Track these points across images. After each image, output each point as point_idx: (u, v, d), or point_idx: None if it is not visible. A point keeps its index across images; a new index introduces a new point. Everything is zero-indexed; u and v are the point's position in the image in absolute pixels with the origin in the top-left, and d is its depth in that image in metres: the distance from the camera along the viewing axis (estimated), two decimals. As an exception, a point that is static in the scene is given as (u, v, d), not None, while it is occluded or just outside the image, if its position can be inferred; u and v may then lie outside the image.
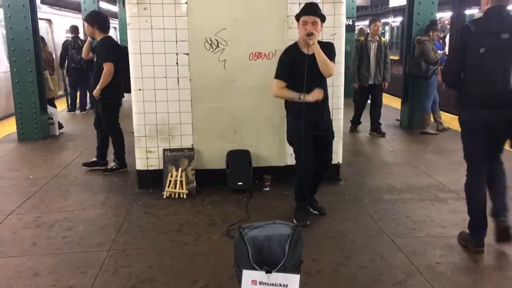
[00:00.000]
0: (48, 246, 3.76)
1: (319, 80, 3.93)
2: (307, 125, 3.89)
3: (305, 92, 3.81)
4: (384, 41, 7.55)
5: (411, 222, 4.13)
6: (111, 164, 5.75)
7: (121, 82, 5.43)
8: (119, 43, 7.43)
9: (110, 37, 5.62)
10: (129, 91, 4.98)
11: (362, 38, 7.51)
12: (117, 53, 5.45)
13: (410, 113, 7.90)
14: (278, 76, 3.92)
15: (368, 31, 7.65)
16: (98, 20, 5.51)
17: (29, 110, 7.35)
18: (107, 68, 5.35)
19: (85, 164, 5.85)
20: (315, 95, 3.84)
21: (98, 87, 5.45)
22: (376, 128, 7.63)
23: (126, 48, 5.08)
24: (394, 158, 6.26)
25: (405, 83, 8.07)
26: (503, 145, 3.47)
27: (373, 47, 7.42)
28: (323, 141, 4.07)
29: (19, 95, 7.35)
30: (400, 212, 4.38)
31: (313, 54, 3.83)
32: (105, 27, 5.53)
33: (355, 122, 7.92)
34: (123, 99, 5.81)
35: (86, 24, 5.55)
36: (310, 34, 3.73)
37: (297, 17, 3.87)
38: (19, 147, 7.14)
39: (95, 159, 5.87)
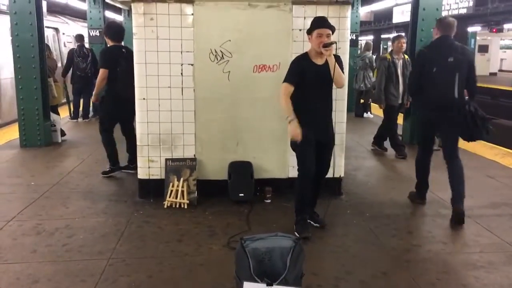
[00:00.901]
0: (48, 253, 3.75)
1: (327, 91, 4.03)
2: (310, 131, 3.92)
3: (315, 101, 3.94)
4: (407, 58, 7.13)
5: (412, 238, 4.12)
6: (106, 169, 5.99)
7: (119, 89, 5.60)
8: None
9: (114, 46, 5.83)
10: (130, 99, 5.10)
11: (388, 55, 7.08)
12: (113, 61, 5.66)
13: (412, 128, 7.90)
14: (287, 80, 3.96)
15: (392, 48, 7.35)
16: (109, 30, 5.97)
17: (32, 117, 7.37)
18: (100, 73, 5.65)
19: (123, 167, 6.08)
20: (293, 131, 3.84)
21: (94, 92, 5.90)
22: (397, 150, 7.24)
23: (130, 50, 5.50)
24: (396, 173, 6.26)
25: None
26: (451, 138, 4.61)
27: (399, 65, 7.02)
28: (324, 149, 4.09)
29: (23, 102, 7.37)
30: (401, 227, 4.37)
31: (324, 65, 3.92)
32: (114, 37, 5.88)
33: (382, 138, 7.52)
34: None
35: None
36: (328, 45, 3.81)
37: (311, 30, 3.94)
38: (21, 153, 7.15)
39: (127, 163, 6.13)
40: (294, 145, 4.07)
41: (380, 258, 3.73)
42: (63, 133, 8.08)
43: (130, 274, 3.44)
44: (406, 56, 7.15)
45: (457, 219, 4.39)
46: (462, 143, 4.64)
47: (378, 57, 8.71)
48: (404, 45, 7.08)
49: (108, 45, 5.84)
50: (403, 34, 7.67)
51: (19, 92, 7.39)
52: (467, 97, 4.58)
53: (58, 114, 8.18)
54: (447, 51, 4.43)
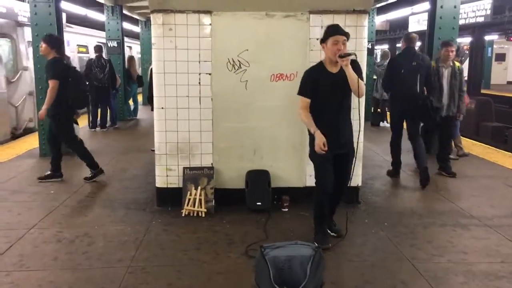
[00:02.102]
0: (68, 261, 3.80)
1: (344, 99, 3.98)
2: (328, 144, 3.90)
3: (332, 110, 3.91)
4: (458, 67, 6.41)
5: (432, 248, 4.07)
6: (88, 175, 6.10)
7: (68, 98, 5.81)
8: (137, 62, 7.87)
9: (60, 58, 5.97)
10: (78, 107, 5.47)
11: (433, 63, 6.42)
12: (64, 72, 5.82)
13: (430, 138, 7.83)
14: (301, 93, 3.97)
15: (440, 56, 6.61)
16: (56, 42, 5.97)
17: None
18: (52, 84, 5.74)
19: (40, 178, 6.12)
20: (319, 142, 3.82)
21: (44, 106, 5.89)
22: (445, 167, 6.52)
23: (74, 68, 5.94)
24: (413, 183, 6.19)
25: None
26: (415, 123, 6.16)
27: (446, 74, 6.35)
28: (344, 159, 4.06)
29: (43, 112, 7.48)
30: (420, 237, 4.32)
31: (339, 73, 3.88)
32: (60, 49, 6.01)
33: (445, 159, 6.63)
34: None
35: (44, 45, 5.90)
36: (345, 56, 3.76)
37: (326, 38, 3.89)
38: (41, 162, 7.25)
39: (49, 172, 6.17)
40: (313, 157, 4.07)
41: (399, 268, 3.70)
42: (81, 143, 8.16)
43: (149, 282, 3.46)
44: (458, 64, 6.46)
45: (424, 176, 5.82)
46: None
47: None
48: (452, 54, 6.36)
49: (54, 57, 5.85)
50: (452, 40, 6.74)
51: (39, 101, 7.51)
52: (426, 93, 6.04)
53: (76, 123, 8.28)
54: (411, 58, 6.00)
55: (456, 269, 3.67)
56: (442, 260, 3.84)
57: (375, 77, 11.40)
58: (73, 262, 3.77)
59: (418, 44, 11.70)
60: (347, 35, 3.89)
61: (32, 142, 8.43)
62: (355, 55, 3.88)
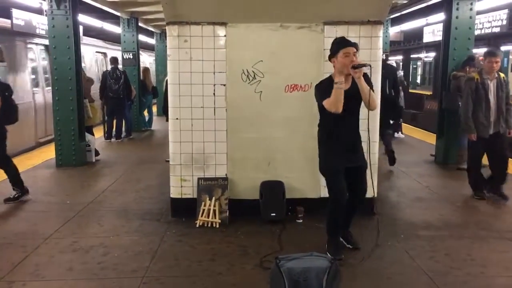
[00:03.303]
0: (84, 271, 3.81)
1: (354, 114, 3.96)
2: (339, 157, 3.88)
3: (344, 125, 3.84)
4: (503, 77, 5.71)
5: (450, 260, 4.00)
6: (12, 193, 5.70)
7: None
8: (151, 72, 8.04)
9: None
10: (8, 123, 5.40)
11: (476, 75, 5.73)
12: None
13: (446, 148, 7.76)
14: (322, 99, 3.85)
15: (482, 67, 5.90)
16: None
17: (68, 137, 7.58)
18: None
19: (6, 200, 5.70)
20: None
21: None
22: (497, 189, 5.76)
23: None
24: (429, 194, 6.12)
25: (440, 118, 7.97)
26: (385, 117, 6.42)
27: (491, 86, 5.63)
28: (357, 171, 4.03)
29: (60, 122, 7.59)
30: (438, 249, 4.25)
31: (350, 88, 3.84)
32: None
33: (478, 186, 5.88)
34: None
35: None
36: (358, 67, 3.70)
37: (336, 51, 3.82)
38: (57, 173, 7.33)
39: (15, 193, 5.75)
40: (323, 170, 4.05)
41: (416, 281, 3.64)
42: (97, 153, 8.26)
43: (163, 292, 3.45)
44: (503, 75, 5.75)
45: (390, 156, 7.40)
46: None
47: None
48: (497, 65, 5.61)
49: None
50: (496, 50, 6.04)
51: (56, 113, 7.63)
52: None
53: (93, 134, 8.39)
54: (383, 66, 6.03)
55: (474, 282, 3.60)
56: (460, 273, 3.77)
57: None
58: (88, 272, 3.78)
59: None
60: (356, 46, 3.87)
61: (48, 152, 8.52)
62: (370, 66, 3.81)
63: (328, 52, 4.76)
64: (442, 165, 7.71)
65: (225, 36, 4.83)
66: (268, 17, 4.80)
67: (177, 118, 4.94)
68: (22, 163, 7.82)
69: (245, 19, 4.82)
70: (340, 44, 3.85)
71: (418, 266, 3.89)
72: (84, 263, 3.94)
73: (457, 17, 7.48)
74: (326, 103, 3.79)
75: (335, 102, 3.73)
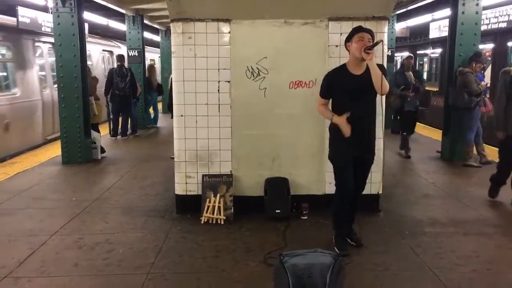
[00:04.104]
0: (89, 267, 3.82)
1: (369, 101, 3.92)
2: (348, 146, 3.87)
3: (351, 112, 3.79)
4: None
5: (456, 257, 3.98)
6: None
7: None
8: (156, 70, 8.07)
9: None
10: None
11: (511, 69, 5.42)
12: None
13: (452, 145, 7.72)
14: (320, 93, 4.01)
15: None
16: None
17: (73, 135, 7.60)
18: None
19: None
20: (342, 121, 3.79)
21: None
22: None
23: None
24: (435, 191, 6.09)
25: (446, 114, 7.92)
26: None
27: None
28: (363, 164, 4.02)
29: (65, 120, 7.62)
30: (443, 246, 4.23)
31: (363, 75, 3.83)
32: None
33: (497, 184, 5.55)
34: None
35: None
36: (371, 47, 3.72)
37: (350, 36, 3.88)
38: (63, 170, 7.36)
39: None
40: (333, 159, 4.04)
41: (421, 277, 3.62)
42: (102, 150, 8.28)
43: (168, 289, 3.46)
44: None
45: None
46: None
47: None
48: None
49: None
50: None
51: (61, 110, 7.65)
52: None
53: (98, 131, 8.41)
54: None
55: (480, 279, 3.58)
56: (466, 270, 3.75)
57: None
58: (94, 269, 3.79)
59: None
60: (371, 32, 3.87)
61: (54, 150, 8.56)
62: (382, 41, 3.87)
63: (332, 48, 4.82)
64: (449, 161, 7.67)
65: (229, 32, 4.83)
66: (272, 14, 4.79)
67: (181, 115, 4.94)
68: (29, 160, 7.88)
69: (249, 15, 4.81)
70: (355, 29, 3.90)
71: (424, 262, 3.88)
72: (89, 260, 3.96)
73: (463, 13, 7.43)
74: (318, 101, 4.05)
75: (319, 111, 4.08)
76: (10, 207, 5.41)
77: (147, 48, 19.08)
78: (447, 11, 9.19)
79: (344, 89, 3.85)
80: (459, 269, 3.76)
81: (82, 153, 7.68)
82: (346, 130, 3.78)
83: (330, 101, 4.04)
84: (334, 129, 3.96)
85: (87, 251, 4.14)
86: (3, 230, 4.63)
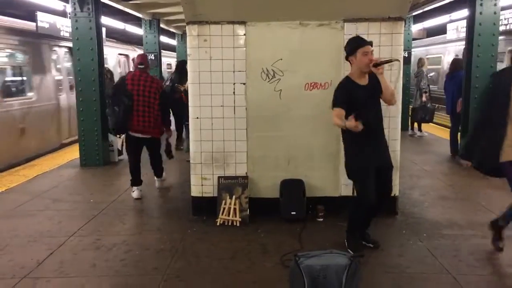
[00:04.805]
0: (106, 268, 3.87)
1: (376, 111, 3.93)
2: (368, 157, 3.86)
3: (369, 123, 3.76)
4: None
5: (474, 260, 3.92)
6: None
7: None
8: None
9: None
10: None
11: None
12: None
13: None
14: (335, 104, 3.86)
15: None
16: None
17: (91, 137, 7.70)
18: None
19: None
20: (352, 126, 3.70)
21: None
22: None
23: None
24: (453, 193, 6.02)
25: (464, 115, 7.81)
26: None
27: None
28: (384, 170, 3.99)
29: (83, 123, 7.72)
30: (461, 248, 4.17)
31: (368, 85, 3.86)
32: None
33: None
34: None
35: None
36: (381, 64, 3.74)
37: (353, 50, 3.85)
38: (81, 172, 7.46)
39: None
40: (354, 175, 4.02)
41: (439, 280, 3.58)
42: (120, 153, 8.36)
43: (184, 290, 3.48)
44: None
45: None
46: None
47: None
48: None
49: None
50: None
51: (80, 114, 7.76)
52: None
53: (115, 135, 8.47)
54: None
55: (499, 282, 3.53)
56: (485, 272, 3.70)
57: None
58: (111, 269, 3.84)
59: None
60: (372, 44, 3.89)
61: (73, 152, 8.68)
62: (398, 61, 3.92)
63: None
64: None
65: (244, 35, 4.84)
66: (287, 15, 4.79)
67: (197, 117, 4.97)
68: (48, 163, 8.00)
69: (264, 17, 4.82)
70: (358, 43, 3.88)
71: (441, 265, 3.83)
72: (106, 261, 4.00)
73: (481, 13, 7.32)
74: (333, 113, 3.85)
75: (335, 123, 3.86)
76: (30, 209, 5.50)
77: (164, 52, 19.27)
78: (465, 12, 9.07)
79: (356, 100, 3.82)
80: (478, 272, 3.71)
81: (100, 156, 7.77)
82: (358, 127, 3.67)
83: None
84: (349, 141, 3.96)
85: (104, 252, 4.18)
86: (23, 231, 4.71)
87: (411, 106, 10.83)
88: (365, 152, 3.86)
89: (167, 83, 8.77)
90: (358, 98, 3.83)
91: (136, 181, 5.91)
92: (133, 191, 5.89)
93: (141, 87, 5.60)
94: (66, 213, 5.31)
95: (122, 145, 7.65)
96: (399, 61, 3.87)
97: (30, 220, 5.10)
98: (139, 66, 5.74)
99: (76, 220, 5.04)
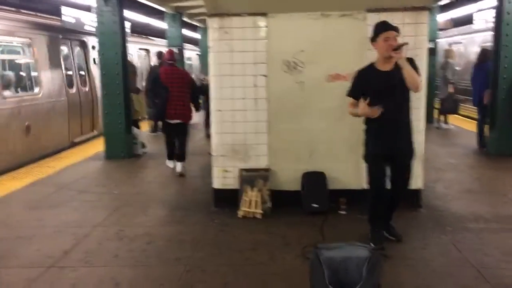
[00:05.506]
0: (129, 258, 3.93)
1: (400, 98, 3.85)
2: (381, 144, 3.81)
3: (389, 110, 3.74)
4: None
5: (500, 254, 3.84)
6: None
7: None
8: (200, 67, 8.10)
9: None
10: None
11: None
12: None
13: (499, 139, 7.42)
14: (348, 94, 3.98)
15: None
16: None
17: (116, 130, 7.80)
18: None
19: None
20: (365, 112, 3.75)
21: None
22: None
23: None
24: (479, 186, 5.90)
25: (492, 107, 7.62)
26: None
27: None
28: (402, 162, 3.94)
29: (108, 116, 7.83)
30: (487, 242, 4.09)
31: (393, 71, 3.79)
32: None
33: None
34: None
35: None
36: (398, 47, 3.68)
37: (376, 35, 3.83)
38: (106, 164, 7.58)
39: None
40: (366, 158, 3.99)
41: (463, 274, 3.52)
42: (143, 146, 8.46)
43: (206, 280, 3.51)
44: None
45: None
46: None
47: None
48: None
49: None
50: None
51: (104, 107, 7.87)
52: None
53: (139, 127, 8.60)
54: None
55: (526, 277, 3.44)
56: (511, 267, 3.61)
57: None
58: (133, 260, 3.90)
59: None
60: (397, 29, 3.82)
61: (97, 145, 8.82)
62: (407, 43, 3.80)
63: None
64: (494, 156, 7.38)
65: (265, 26, 4.82)
66: (308, 6, 4.76)
67: (219, 110, 4.98)
68: (75, 155, 8.16)
69: (286, 8, 4.79)
70: (381, 28, 3.84)
71: (466, 259, 3.76)
72: (129, 251, 4.06)
73: (509, 2, 7.13)
74: (348, 102, 3.97)
75: (349, 112, 3.98)
76: (57, 200, 5.63)
77: (186, 46, 19.36)
78: (493, 1, 8.83)
79: (375, 87, 3.79)
80: (503, 265, 3.63)
81: (124, 149, 7.87)
82: (373, 112, 3.71)
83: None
84: (367, 127, 3.94)
85: (127, 243, 4.25)
86: (50, 222, 4.82)
87: (436, 99, 10.66)
88: (379, 139, 3.83)
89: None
90: (376, 84, 3.80)
91: (171, 155, 6.83)
92: (168, 163, 6.83)
93: (175, 80, 6.43)
94: (91, 204, 5.41)
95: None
96: (407, 43, 3.81)
97: (56, 210, 5.21)
98: (169, 62, 6.66)
99: (101, 211, 5.13)
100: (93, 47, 10.04)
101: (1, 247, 4.17)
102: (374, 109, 3.72)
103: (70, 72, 9.84)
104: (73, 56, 10.11)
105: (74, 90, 9.70)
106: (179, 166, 6.64)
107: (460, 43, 13.44)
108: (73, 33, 9.86)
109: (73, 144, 9.25)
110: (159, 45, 12.68)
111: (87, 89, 10.25)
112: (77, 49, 10.31)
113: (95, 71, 10.02)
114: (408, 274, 3.55)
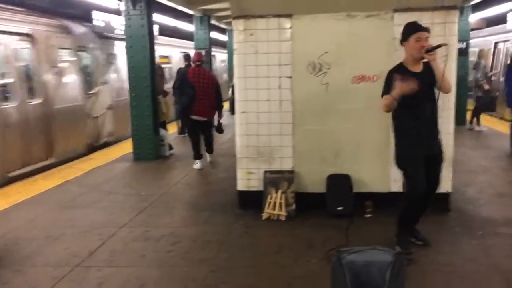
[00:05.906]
0: (155, 258, 3.98)
1: (430, 99, 3.78)
2: (418, 146, 3.74)
3: (421, 111, 3.70)
4: None
5: (532, 260, 3.71)
6: None
7: None
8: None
9: None
10: None
11: None
12: None
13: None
14: (383, 93, 3.81)
15: None
16: None
17: (144, 132, 7.92)
18: None
19: None
20: (403, 86, 3.57)
21: None
22: None
23: None
24: (511, 190, 5.71)
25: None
26: None
27: None
28: (433, 163, 3.85)
29: (136, 118, 7.94)
30: (518, 248, 3.96)
31: (423, 72, 3.73)
32: None
33: None
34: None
35: None
36: (432, 49, 3.61)
37: (407, 36, 3.76)
38: (134, 166, 7.69)
39: None
40: (403, 164, 3.90)
41: (491, 280, 3.42)
42: (170, 148, 8.55)
43: (229, 282, 3.52)
44: None
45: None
46: None
47: None
48: None
49: None
50: None
51: (132, 109, 7.99)
52: None
53: (166, 129, 8.69)
54: None
55: (560, 284, 3.31)
56: (544, 274, 3.48)
57: None
58: (159, 260, 3.94)
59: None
60: (428, 30, 3.74)
61: (125, 147, 8.96)
62: (446, 44, 3.70)
63: (398, 41, 4.62)
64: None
65: (290, 28, 4.81)
66: (334, 7, 4.72)
67: (243, 112, 4.99)
68: (103, 157, 8.31)
69: (311, 10, 4.76)
70: (412, 28, 3.77)
71: (495, 265, 3.65)
72: (155, 251, 4.11)
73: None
74: (382, 100, 3.78)
75: (383, 106, 3.76)
76: (85, 200, 5.75)
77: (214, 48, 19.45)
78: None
79: None
80: (536, 273, 3.50)
81: (152, 150, 7.98)
82: (411, 85, 3.53)
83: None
84: (400, 130, 3.85)
85: (153, 243, 4.30)
86: (77, 222, 4.92)
87: (470, 100, 10.43)
88: (416, 140, 3.75)
89: None
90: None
91: (197, 155, 7.25)
92: (196, 164, 7.19)
93: (201, 80, 6.94)
94: (118, 205, 5.50)
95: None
96: (447, 44, 3.71)
97: (85, 211, 5.32)
98: (196, 63, 7.16)
99: (127, 212, 5.21)
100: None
101: (30, 246, 4.28)
102: (410, 83, 3.55)
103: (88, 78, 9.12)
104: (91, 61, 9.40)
105: (14, 103, 7.01)
106: (208, 157, 7.52)
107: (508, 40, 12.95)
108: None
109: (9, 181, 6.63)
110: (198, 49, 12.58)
111: (39, 100, 7.62)
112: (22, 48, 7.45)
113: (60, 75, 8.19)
114: (435, 279, 3.47)
